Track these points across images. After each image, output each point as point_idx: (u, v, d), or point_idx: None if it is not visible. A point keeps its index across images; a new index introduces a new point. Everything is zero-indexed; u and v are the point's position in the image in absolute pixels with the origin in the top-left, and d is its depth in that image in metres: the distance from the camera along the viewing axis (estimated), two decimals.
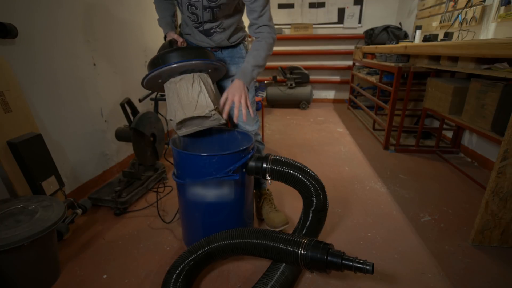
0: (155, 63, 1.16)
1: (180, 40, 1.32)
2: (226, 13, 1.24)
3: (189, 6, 1.21)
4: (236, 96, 1.12)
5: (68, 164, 1.72)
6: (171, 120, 1.20)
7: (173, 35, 1.32)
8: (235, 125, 1.49)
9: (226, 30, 1.31)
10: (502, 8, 2.10)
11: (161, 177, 2.03)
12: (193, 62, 1.14)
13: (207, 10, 1.20)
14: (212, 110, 1.15)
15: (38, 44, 1.48)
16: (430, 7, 3.23)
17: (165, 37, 1.36)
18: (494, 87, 1.60)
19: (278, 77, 4.59)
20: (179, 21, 1.44)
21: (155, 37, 2.63)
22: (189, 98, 1.15)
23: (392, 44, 3.15)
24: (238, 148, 1.17)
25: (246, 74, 1.19)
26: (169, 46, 1.26)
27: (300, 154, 2.55)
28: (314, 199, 1.18)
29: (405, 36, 3.69)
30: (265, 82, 4.53)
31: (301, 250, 1.00)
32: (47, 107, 1.56)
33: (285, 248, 1.02)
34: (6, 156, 1.26)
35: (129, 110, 1.85)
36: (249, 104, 1.15)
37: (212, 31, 1.30)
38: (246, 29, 1.37)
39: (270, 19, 1.23)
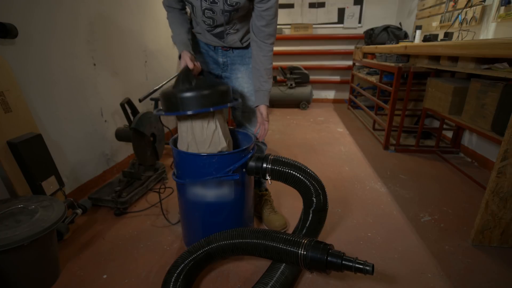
0: (171, 103, 1.11)
1: (196, 68, 1.21)
2: (241, 14, 1.22)
3: (206, 11, 1.18)
4: (266, 121, 1.34)
5: (68, 164, 1.72)
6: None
7: (187, 59, 1.19)
8: (238, 125, 1.50)
9: (239, 31, 1.31)
10: (502, 8, 2.10)
11: (161, 177, 2.03)
12: (211, 110, 1.12)
13: (225, 13, 1.18)
14: (225, 147, 1.18)
15: (38, 44, 1.48)
16: (430, 7, 3.23)
17: (179, 56, 1.25)
18: (494, 87, 1.60)
19: (278, 77, 4.59)
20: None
21: (154, 37, 2.63)
22: (203, 135, 1.16)
23: (392, 44, 3.15)
24: (238, 148, 1.17)
25: (267, 97, 1.34)
26: (186, 79, 1.15)
27: (300, 154, 2.55)
28: (314, 199, 1.18)
29: (405, 36, 3.69)
30: None
31: (301, 250, 1.00)
32: (47, 107, 1.56)
33: (285, 248, 1.02)
34: (6, 156, 1.26)
35: (129, 110, 1.85)
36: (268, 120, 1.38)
37: (226, 33, 1.29)
38: None
39: (276, 27, 1.24)
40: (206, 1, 1.14)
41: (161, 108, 1.20)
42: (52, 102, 1.59)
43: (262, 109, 1.33)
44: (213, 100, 1.11)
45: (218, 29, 1.27)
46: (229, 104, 1.16)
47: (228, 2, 1.13)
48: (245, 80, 1.41)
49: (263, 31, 1.21)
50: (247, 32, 1.33)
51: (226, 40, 1.32)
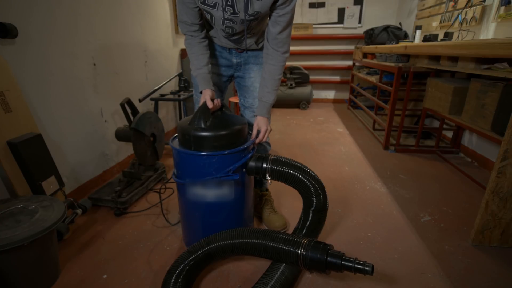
0: (185, 139, 1.16)
1: (215, 106, 1.22)
2: (259, 20, 1.22)
3: (226, 21, 1.17)
4: (263, 128, 1.29)
5: (68, 164, 1.72)
6: None
7: (208, 98, 1.19)
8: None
9: (255, 35, 1.30)
10: (502, 8, 2.10)
11: (161, 177, 2.03)
12: (225, 153, 1.14)
13: (245, 23, 1.17)
14: None
15: (38, 44, 1.48)
16: (430, 7, 3.23)
17: (201, 92, 1.26)
18: (494, 87, 1.60)
19: None
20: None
21: (154, 37, 2.63)
22: None
23: (392, 44, 3.15)
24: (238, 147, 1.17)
25: (268, 109, 1.31)
26: (202, 117, 1.15)
27: (300, 154, 2.55)
28: (314, 199, 1.18)
29: (405, 36, 3.69)
30: None
31: (301, 251, 1.00)
32: (47, 107, 1.56)
33: (285, 249, 1.02)
34: (6, 156, 1.26)
35: (129, 110, 1.85)
36: (271, 130, 1.35)
37: (242, 38, 1.28)
38: None
39: (290, 35, 1.22)
40: (227, 12, 1.12)
41: (176, 135, 1.27)
42: (52, 102, 1.59)
43: (260, 120, 1.30)
44: (225, 143, 1.14)
45: (236, 36, 1.27)
46: (242, 147, 1.18)
47: (249, 12, 1.11)
48: (257, 80, 1.39)
49: (277, 38, 1.19)
50: (262, 35, 1.33)
51: (242, 44, 1.32)
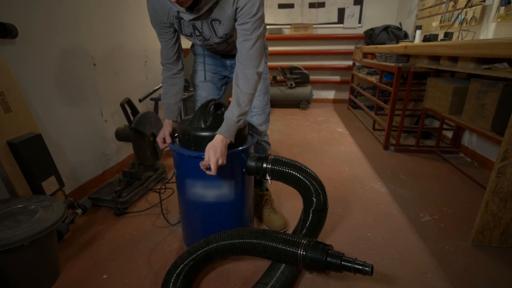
0: (185, 139, 1.17)
1: (166, 143, 1.27)
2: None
3: (204, 45, 1.27)
4: (212, 159, 1.02)
5: (68, 164, 1.72)
6: None
7: (168, 134, 1.27)
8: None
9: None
10: (502, 8, 2.10)
11: (161, 177, 2.03)
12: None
13: (221, 43, 1.24)
14: None
15: (38, 44, 1.48)
16: (430, 7, 3.23)
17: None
18: (494, 87, 1.60)
19: (278, 77, 4.59)
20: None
21: (155, 37, 2.62)
22: None
23: (392, 44, 3.15)
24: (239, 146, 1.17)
25: (230, 128, 1.07)
26: (202, 116, 1.15)
27: (300, 154, 2.55)
28: (314, 199, 1.18)
29: (405, 36, 3.69)
30: None
31: (300, 251, 1.00)
32: (47, 107, 1.56)
33: (285, 249, 1.02)
34: (6, 156, 1.26)
35: (129, 110, 1.85)
36: (223, 162, 1.05)
37: (227, 50, 1.33)
38: None
39: (257, 56, 1.08)
40: (200, 41, 1.22)
41: (177, 135, 1.28)
42: (52, 102, 1.59)
43: (216, 140, 1.05)
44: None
45: (219, 51, 1.34)
46: (243, 147, 1.18)
47: (219, 36, 1.16)
48: None
49: (241, 50, 1.08)
50: None
51: (230, 52, 1.36)
